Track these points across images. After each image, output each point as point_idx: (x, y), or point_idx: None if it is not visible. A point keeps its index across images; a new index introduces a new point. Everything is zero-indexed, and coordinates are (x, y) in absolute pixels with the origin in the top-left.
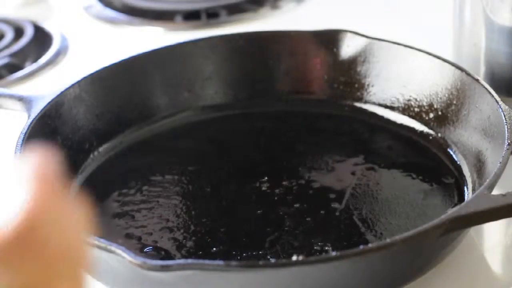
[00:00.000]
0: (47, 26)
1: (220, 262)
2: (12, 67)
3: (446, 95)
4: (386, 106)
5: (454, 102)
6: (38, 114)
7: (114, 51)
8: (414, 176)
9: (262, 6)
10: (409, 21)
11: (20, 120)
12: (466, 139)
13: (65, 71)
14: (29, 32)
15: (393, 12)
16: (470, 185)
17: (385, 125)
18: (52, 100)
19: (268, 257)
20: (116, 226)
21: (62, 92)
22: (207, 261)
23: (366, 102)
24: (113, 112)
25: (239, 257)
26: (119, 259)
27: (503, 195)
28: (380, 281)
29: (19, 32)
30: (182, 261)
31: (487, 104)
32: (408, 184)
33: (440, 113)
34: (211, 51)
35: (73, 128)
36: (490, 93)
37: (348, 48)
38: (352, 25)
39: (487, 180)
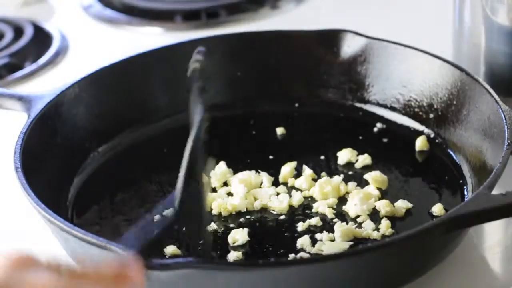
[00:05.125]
0: (47, 26)
1: (219, 262)
2: (12, 67)
3: (446, 95)
4: (386, 106)
5: (454, 102)
6: (38, 114)
7: (114, 51)
8: (414, 176)
9: (262, 6)
10: (409, 21)
11: (20, 120)
12: (466, 139)
13: (65, 71)
14: (29, 32)
15: (393, 12)
16: (470, 185)
17: (385, 125)
18: (52, 100)
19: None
20: (115, 225)
21: (62, 92)
22: (206, 260)
23: (366, 102)
24: (113, 112)
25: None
26: None
27: (503, 195)
28: (380, 281)
29: (19, 32)
30: (181, 260)
31: (487, 104)
32: (408, 184)
33: (440, 113)
34: (211, 51)
35: (72, 128)
36: (490, 93)
37: (349, 48)
38: (352, 25)
39: (487, 180)
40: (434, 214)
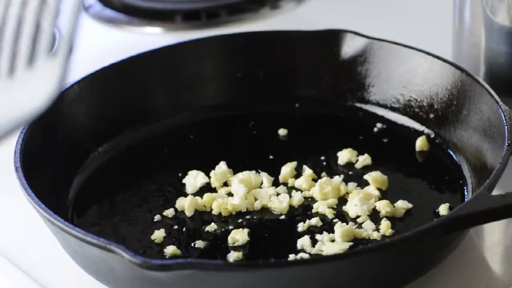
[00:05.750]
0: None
1: (219, 262)
2: None
3: (446, 95)
4: (386, 107)
5: (454, 102)
6: (38, 114)
7: (114, 51)
8: (414, 176)
9: (262, 6)
10: (409, 21)
11: None
12: (466, 139)
13: None
14: None
15: (393, 12)
16: (470, 185)
17: (385, 125)
18: (52, 100)
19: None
20: (116, 226)
21: (62, 92)
22: (206, 261)
23: (366, 102)
24: (113, 112)
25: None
26: (118, 259)
27: (503, 196)
28: (380, 281)
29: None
30: (181, 260)
31: (487, 104)
32: (408, 184)
33: (440, 113)
34: (211, 51)
35: (73, 128)
36: (490, 93)
37: (349, 48)
38: (352, 25)
39: (487, 181)
40: (440, 214)
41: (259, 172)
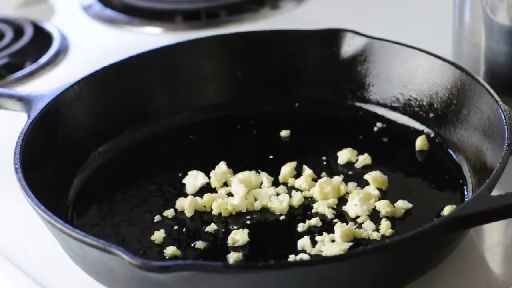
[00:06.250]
0: (47, 26)
1: (219, 263)
2: (12, 67)
3: (446, 95)
4: (386, 106)
5: (454, 102)
6: (38, 114)
7: (114, 51)
8: (414, 176)
9: (262, 6)
10: (409, 21)
11: (20, 120)
12: (466, 139)
13: (65, 71)
14: (29, 32)
15: (393, 12)
16: (470, 185)
17: (385, 124)
18: (52, 100)
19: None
20: (115, 226)
21: (62, 92)
22: (205, 262)
23: (366, 101)
24: (113, 112)
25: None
26: (118, 260)
27: (503, 196)
28: (380, 281)
29: (19, 32)
30: (181, 262)
31: (487, 104)
32: (408, 184)
33: (440, 113)
34: (211, 51)
35: (73, 128)
36: (490, 93)
37: (349, 47)
38: (352, 25)
39: (487, 181)
40: (444, 214)
41: (259, 172)
